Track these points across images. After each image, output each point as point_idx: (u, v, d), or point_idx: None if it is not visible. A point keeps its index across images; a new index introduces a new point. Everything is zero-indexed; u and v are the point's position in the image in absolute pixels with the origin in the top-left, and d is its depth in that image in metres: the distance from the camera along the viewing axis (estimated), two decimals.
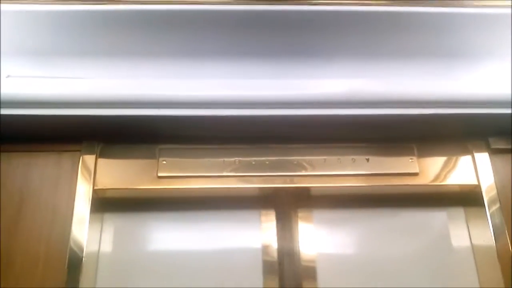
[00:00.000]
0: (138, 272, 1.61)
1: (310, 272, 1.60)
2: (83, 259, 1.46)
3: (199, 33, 1.58)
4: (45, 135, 1.58)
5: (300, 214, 1.70)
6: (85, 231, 1.50)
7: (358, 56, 1.65)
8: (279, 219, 1.68)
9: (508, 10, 1.54)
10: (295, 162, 1.65)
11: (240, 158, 1.65)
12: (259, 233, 1.67)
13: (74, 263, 1.46)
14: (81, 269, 1.45)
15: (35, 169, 1.59)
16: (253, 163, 1.64)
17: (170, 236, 1.68)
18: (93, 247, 1.60)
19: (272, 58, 1.64)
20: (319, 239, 1.67)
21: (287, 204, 1.70)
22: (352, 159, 1.66)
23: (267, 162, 1.64)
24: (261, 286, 1.58)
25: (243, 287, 1.58)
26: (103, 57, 1.61)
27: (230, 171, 1.63)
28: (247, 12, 1.52)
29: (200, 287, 1.58)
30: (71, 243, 1.48)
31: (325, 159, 1.66)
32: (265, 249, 1.64)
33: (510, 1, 1.54)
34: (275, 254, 1.63)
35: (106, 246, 1.64)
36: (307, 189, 1.68)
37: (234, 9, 1.51)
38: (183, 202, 1.70)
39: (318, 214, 1.70)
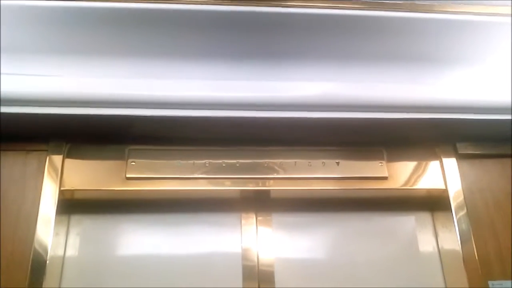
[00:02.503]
0: (107, 277, 1.57)
1: (269, 275, 1.60)
2: (47, 261, 1.43)
3: (172, 34, 1.56)
4: (11, 133, 1.54)
5: (274, 218, 1.70)
6: (50, 232, 1.47)
7: (330, 60, 1.65)
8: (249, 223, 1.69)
9: (479, 18, 1.57)
10: (266, 165, 1.64)
11: (211, 160, 1.63)
12: (238, 236, 1.66)
13: (37, 266, 1.42)
14: (45, 272, 1.42)
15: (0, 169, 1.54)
16: (224, 165, 1.63)
17: (141, 239, 1.65)
18: (59, 250, 1.56)
19: (245, 59, 1.63)
20: (278, 243, 1.67)
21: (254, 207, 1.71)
22: (323, 162, 1.66)
23: (237, 165, 1.63)
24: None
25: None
26: (72, 55, 1.57)
27: (201, 173, 1.61)
28: (221, 13, 1.50)
29: None
30: (35, 245, 1.44)
31: (295, 162, 1.65)
32: (244, 252, 1.64)
33: (479, 9, 1.57)
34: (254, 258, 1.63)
35: (72, 249, 1.60)
36: (277, 192, 1.68)
37: (206, 10, 1.49)
38: (154, 204, 1.68)
39: (277, 217, 1.71)
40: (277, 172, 1.64)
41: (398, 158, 1.71)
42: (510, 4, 1.54)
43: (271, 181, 1.64)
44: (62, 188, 1.54)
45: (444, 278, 1.65)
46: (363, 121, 1.57)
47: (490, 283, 1.52)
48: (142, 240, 1.65)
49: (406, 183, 1.68)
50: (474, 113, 1.59)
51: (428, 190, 1.71)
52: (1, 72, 1.49)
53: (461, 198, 1.64)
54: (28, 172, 1.55)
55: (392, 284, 1.63)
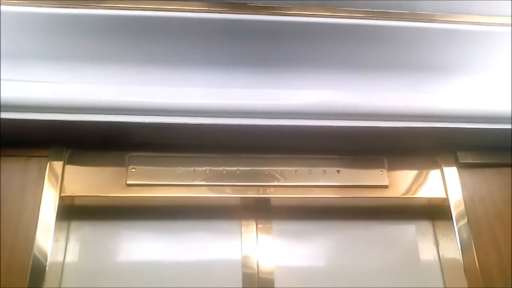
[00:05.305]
0: (106, 283, 1.57)
1: (269, 283, 1.60)
2: (47, 268, 1.42)
3: (172, 41, 1.57)
4: (12, 139, 1.54)
5: (274, 225, 1.70)
6: (50, 239, 1.46)
7: (331, 68, 1.66)
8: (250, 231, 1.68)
9: (479, 28, 1.57)
10: (266, 173, 1.64)
11: (211, 167, 1.63)
12: (239, 243, 1.66)
13: (37, 272, 1.41)
14: (44, 278, 1.41)
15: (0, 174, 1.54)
16: (224, 172, 1.63)
17: (141, 245, 1.64)
18: (58, 256, 1.56)
19: (244, 67, 1.64)
20: (279, 251, 1.66)
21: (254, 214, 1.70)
22: (323, 170, 1.66)
23: (238, 172, 1.63)
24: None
25: None
26: (73, 61, 1.58)
27: (201, 180, 1.61)
28: (221, 21, 1.51)
29: None
30: (35, 251, 1.43)
31: (296, 170, 1.65)
32: (244, 260, 1.63)
33: (480, 19, 1.57)
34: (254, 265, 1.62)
35: (72, 255, 1.60)
36: (277, 199, 1.67)
37: (207, 18, 1.50)
38: (154, 211, 1.67)
39: (277, 225, 1.70)
40: (278, 180, 1.64)
41: (398, 166, 1.71)
42: (510, 15, 1.54)
43: (272, 189, 1.63)
44: (62, 194, 1.54)
45: (445, 286, 1.64)
46: (364, 129, 1.57)
47: None
48: (142, 247, 1.64)
49: (407, 191, 1.68)
50: (475, 122, 1.59)
51: (429, 199, 1.71)
52: (2, 78, 1.50)
53: (462, 207, 1.64)
54: (29, 178, 1.55)
55: None
